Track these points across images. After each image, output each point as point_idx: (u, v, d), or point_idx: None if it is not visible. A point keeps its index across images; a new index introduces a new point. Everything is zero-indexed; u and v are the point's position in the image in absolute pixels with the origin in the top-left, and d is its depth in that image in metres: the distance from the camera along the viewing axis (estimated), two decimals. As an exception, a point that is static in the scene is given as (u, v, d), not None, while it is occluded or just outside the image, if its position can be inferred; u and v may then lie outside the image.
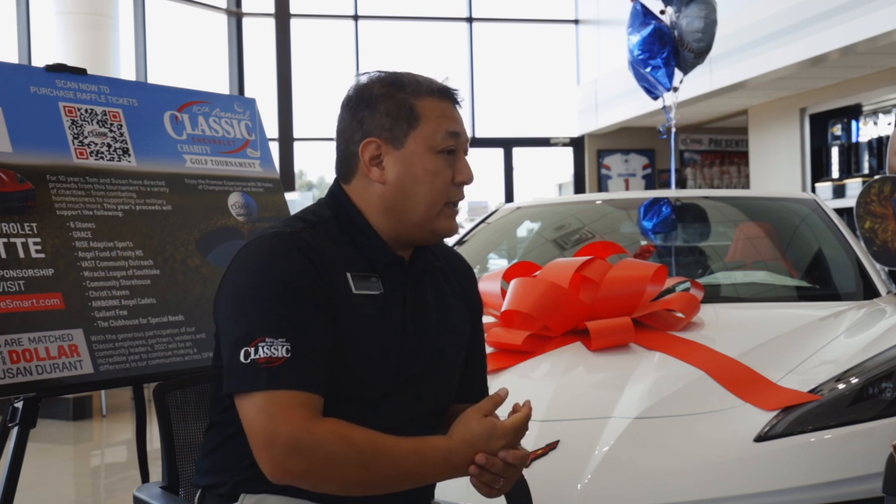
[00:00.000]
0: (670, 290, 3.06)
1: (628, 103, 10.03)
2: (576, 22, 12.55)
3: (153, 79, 9.52)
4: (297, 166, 11.57)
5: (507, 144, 12.17)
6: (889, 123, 8.26)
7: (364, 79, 1.68)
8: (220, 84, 10.70)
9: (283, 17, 11.21)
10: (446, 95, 1.67)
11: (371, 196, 1.65)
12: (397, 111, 1.63)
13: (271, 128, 10.87)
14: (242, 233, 2.58)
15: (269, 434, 1.45)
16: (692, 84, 6.14)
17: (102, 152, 2.35)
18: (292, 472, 1.46)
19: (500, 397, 1.62)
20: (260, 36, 11.25)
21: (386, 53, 11.61)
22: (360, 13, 11.71)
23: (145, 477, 2.31)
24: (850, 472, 2.16)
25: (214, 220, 2.55)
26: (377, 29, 11.91)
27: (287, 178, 10.82)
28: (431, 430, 1.71)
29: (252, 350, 1.48)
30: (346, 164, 1.67)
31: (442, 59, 11.91)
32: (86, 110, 2.35)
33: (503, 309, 2.85)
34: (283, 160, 10.97)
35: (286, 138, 11.08)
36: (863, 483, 2.12)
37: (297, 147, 11.23)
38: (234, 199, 2.62)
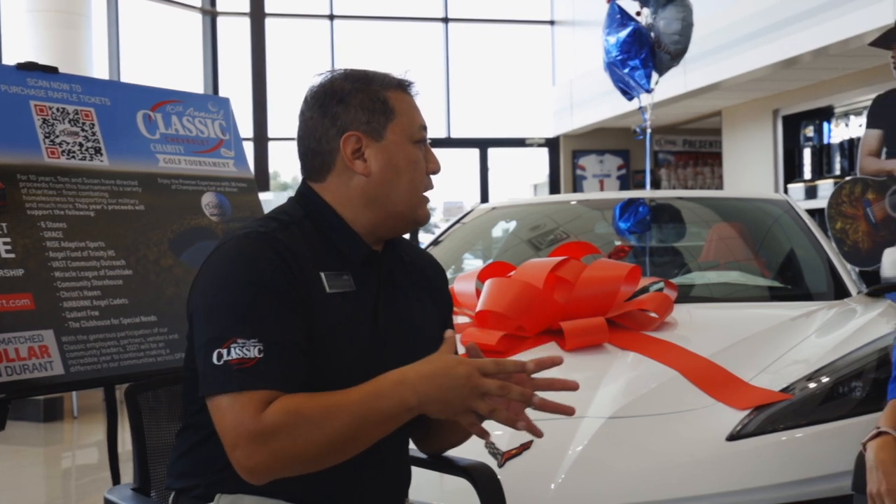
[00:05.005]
0: (644, 290, 3.07)
1: (603, 104, 10.07)
2: (551, 23, 12.58)
3: (126, 78, 9.45)
4: (272, 166, 11.53)
5: (483, 145, 12.18)
6: (860, 125, 8.33)
7: (325, 77, 1.69)
8: (194, 83, 10.63)
9: (258, 16, 11.16)
10: (409, 88, 1.70)
11: (351, 190, 1.66)
12: (372, 104, 1.65)
13: (246, 128, 10.82)
14: (216, 233, 2.57)
15: (234, 436, 1.45)
16: (667, 85, 6.17)
17: (74, 151, 2.33)
18: (261, 466, 1.45)
19: (450, 338, 1.56)
20: (235, 35, 11.20)
21: (361, 53, 11.59)
22: (335, 13, 11.68)
23: (116, 479, 2.29)
24: (821, 471, 2.18)
25: (188, 219, 2.53)
26: (353, 29, 11.88)
27: (262, 178, 10.78)
28: (401, 428, 1.70)
29: (225, 351, 1.47)
30: (321, 162, 1.67)
31: (418, 59, 11.90)
32: (57, 109, 2.33)
33: (478, 309, 2.85)
34: (258, 160, 10.93)
35: (261, 138, 11.03)
36: (833, 481, 2.14)
37: (272, 147, 11.19)
38: (208, 199, 2.60)
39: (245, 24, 11.16)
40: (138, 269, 2.35)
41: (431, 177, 1.72)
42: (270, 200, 8.72)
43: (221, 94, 9.54)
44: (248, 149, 10.86)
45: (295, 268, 1.56)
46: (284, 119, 11.13)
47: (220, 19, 11.17)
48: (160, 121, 2.56)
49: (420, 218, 1.70)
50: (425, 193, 1.70)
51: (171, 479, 1.67)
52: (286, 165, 12.73)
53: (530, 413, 1.58)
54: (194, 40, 10.92)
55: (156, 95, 2.58)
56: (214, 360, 1.48)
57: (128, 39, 9.72)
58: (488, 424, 2.17)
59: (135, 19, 9.98)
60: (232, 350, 1.47)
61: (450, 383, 1.47)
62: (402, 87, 1.69)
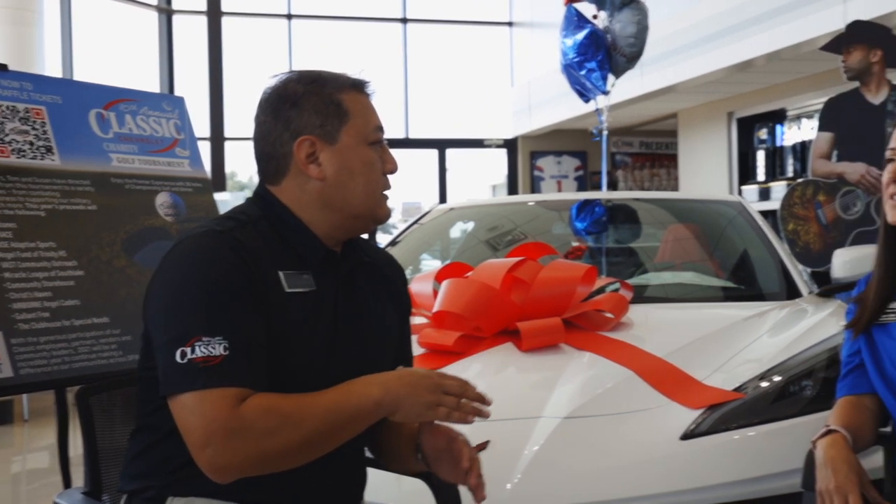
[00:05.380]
0: (600, 291, 3.09)
1: (561, 106, 10.12)
2: (510, 24, 12.62)
3: (79, 76, 9.32)
4: (229, 166, 11.44)
5: (441, 145, 12.19)
6: (812, 128, 8.46)
7: (279, 80, 1.68)
8: (150, 82, 10.51)
9: (214, 15, 11.07)
10: (364, 89, 1.70)
11: (307, 194, 1.65)
12: (325, 107, 1.64)
13: (202, 127, 10.72)
14: (171, 233, 2.55)
15: (204, 434, 1.44)
16: (623, 87, 6.22)
17: (24, 150, 2.29)
18: (234, 464, 1.45)
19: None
20: (191, 34, 11.10)
21: (319, 53, 11.53)
22: (293, 12, 11.62)
23: (67, 483, 2.26)
24: (772, 469, 2.21)
25: (141, 220, 2.51)
26: (311, 28, 11.83)
27: (218, 179, 10.69)
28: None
29: (189, 350, 1.46)
30: (275, 165, 1.67)
31: (376, 59, 11.87)
32: (7, 107, 2.29)
33: (435, 310, 2.86)
34: (214, 160, 10.84)
35: (217, 138, 10.94)
36: (784, 479, 2.17)
37: (229, 147, 11.10)
38: (162, 199, 2.58)
39: (202, 22, 11.06)
40: (90, 270, 2.32)
41: (389, 176, 1.71)
42: (227, 200, 8.65)
43: (177, 93, 9.45)
44: (205, 148, 10.77)
45: (253, 267, 1.56)
46: (242, 119, 11.04)
47: (176, 18, 11.06)
48: (113, 120, 2.53)
49: (380, 216, 1.70)
50: (384, 192, 1.70)
51: (125, 481, 1.66)
52: (243, 165, 12.64)
53: (492, 413, 1.68)
54: (150, 39, 10.80)
55: (109, 94, 2.55)
56: (178, 358, 1.47)
57: (81, 37, 9.58)
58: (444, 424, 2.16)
59: (88, 17, 9.85)
60: (196, 348, 1.47)
61: (416, 380, 1.55)
62: (357, 87, 1.69)
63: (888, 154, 1.92)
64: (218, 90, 10.98)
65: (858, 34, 4.88)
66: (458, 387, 1.59)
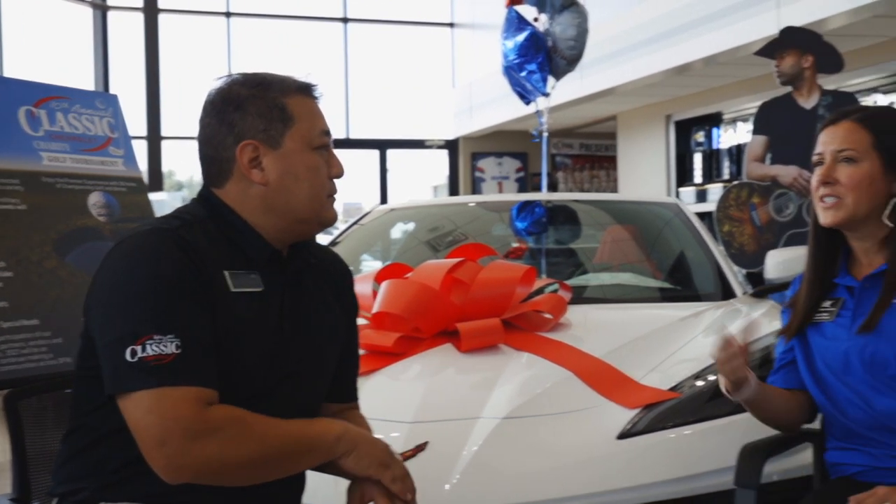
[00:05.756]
0: (539, 292, 3.11)
1: (502, 107, 10.16)
2: (451, 25, 12.65)
3: (9, 72, 9.10)
4: (166, 165, 11.28)
5: (382, 146, 12.16)
6: (747, 131, 8.62)
7: (224, 82, 1.66)
8: (84, 80, 10.31)
9: (151, 11, 10.90)
10: (311, 92, 1.68)
11: (250, 198, 1.64)
12: (269, 112, 1.62)
13: (139, 126, 10.55)
14: (104, 233, 2.50)
15: (162, 432, 1.43)
16: (564, 89, 6.27)
17: (-50, 148, 2.23)
18: (191, 467, 1.44)
19: None
20: (127, 31, 10.91)
21: (259, 52, 11.43)
22: (232, 10, 11.50)
23: (-5, 489, 2.21)
24: (707, 467, 2.24)
25: (73, 220, 2.45)
26: (250, 27, 11.71)
27: (155, 178, 10.54)
28: None
29: (139, 348, 1.45)
30: (218, 168, 1.65)
31: (316, 58, 11.80)
32: (-68, 104, 2.23)
33: (374, 311, 2.85)
34: (151, 159, 10.68)
35: (154, 137, 10.78)
36: (718, 476, 2.20)
37: (166, 146, 10.94)
38: (95, 199, 2.53)
39: (138, 19, 10.88)
40: (20, 271, 2.26)
41: (336, 180, 1.70)
42: (164, 200, 8.52)
43: (113, 91, 9.29)
44: (142, 148, 10.60)
45: (199, 265, 1.54)
46: (180, 117, 10.89)
47: (111, 14, 10.87)
48: (44, 117, 2.47)
49: (326, 220, 1.69)
50: (330, 196, 1.69)
51: (56, 483, 1.62)
52: (182, 164, 12.48)
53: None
54: (84, 35, 10.59)
55: (40, 91, 2.49)
56: (127, 357, 1.45)
57: (11, 32, 9.36)
58: (384, 426, 2.17)
59: (19, 11, 9.62)
60: (147, 347, 1.45)
61: (374, 441, 1.64)
62: (304, 91, 1.67)
63: (815, 158, 1.96)
64: (155, 88, 10.82)
65: (791, 40, 4.99)
66: (403, 476, 1.65)
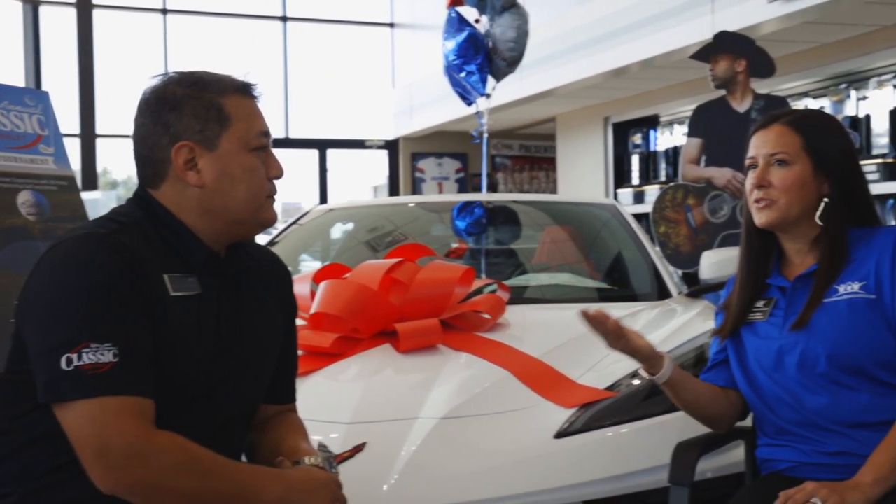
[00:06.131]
0: (478, 292, 3.12)
1: (443, 107, 10.18)
2: (391, 25, 12.62)
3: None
4: (101, 164, 11.07)
5: (322, 146, 12.09)
6: (683, 134, 8.76)
7: (160, 80, 1.63)
8: (14, 76, 10.08)
9: (84, 7, 10.69)
10: (249, 92, 1.66)
11: (187, 199, 1.62)
12: (206, 112, 1.60)
13: (73, 123, 10.34)
14: (33, 233, 2.44)
15: (102, 443, 1.41)
16: (504, 90, 6.29)
17: None
18: (127, 482, 1.42)
19: None
20: (60, 26, 10.68)
21: (196, 50, 11.27)
22: (168, 7, 11.33)
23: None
24: (642, 465, 2.27)
25: (2, 219, 2.39)
26: (187, 24, 11.55)
27: (89, 176, 10.35)
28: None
29: (75, 356, 1.42)
30: (154, 169, 1.63)
31: (255, 57, 11.69)
32: None
33: (312, 311, 2.83)
34: (85, 157, 10.47)
35: (88, 135, 10.57)
36: (653, 474, 2.23)
37: (101, 144, 10.74)
38: (24, 198, 2.47)
39: (71, 14, 10.66)
40: (-55, 272, 2.20)
41: (275, 181, 1.68)
42: (98, 199, 8.37)
43: (45, 87, 9.08)
44: (75, 145, 10.39)
45: (138, 270, 1.52)
46: (114, 115, 10.70)
47: (43, 9, 10.63)
48: (-29, 114, 2.41)
49: (264, 221, 1.67)
50: (269, 197, 1.68)
51: (-20, 488, 1.58)
52: (117, 163, 12.26)
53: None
54: (14, 30, 10.35)
55: (-34, 87, 2.43)
56: (63, 365, 1.42)
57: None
58: (322, 427, 2.16)
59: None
60: (84, 355, 1.42)
61: (316, 486, 1.60)
62: (242, 91, 1.65)
63: (748, 162, 2.00)
64: (89, 85, 10.61)
65: (724, 44, 5.07)
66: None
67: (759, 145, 1.98)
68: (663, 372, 1.98)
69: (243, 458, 1.77)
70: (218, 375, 1.61)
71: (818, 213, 1.93)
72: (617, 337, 1.95)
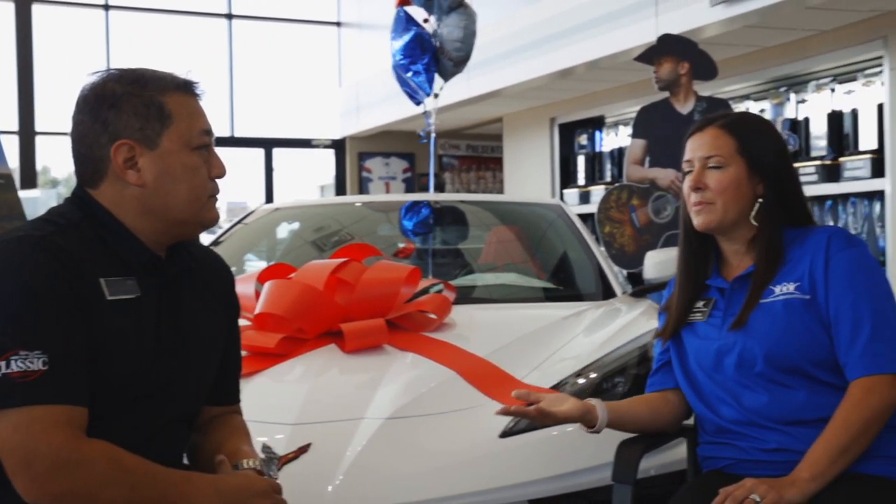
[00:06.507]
0: (424, 292, 3.12)
1: (390, 107, 10.16)
2: (338, 24, 12.57)
3: None
4: (40, 162, 10.85)
5: (268, 145, 11.99)
6: (628, 135, 8.86)
7: (98, 77, 1.60)
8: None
9: (23, 1, 10.47)
10: (191, 90, 1.63)
11: (127, 199, 1.59)
12: (146, 110, 1.57)
13: (11, 120, 10.13)
14: (-32, 232, 2.38)
15: (28, 453, 1.38)
16: (451, 90, 6.29)
17: None
18: (54, 493, 1.39)
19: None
20: (-1, 21, 10.46)
21: (139, 47, 11.10)
22: (111, 3, 11.14)
23: None
24: (587, 463, 2.29)
25: (-64, 218, 2.34)
26: (131, 20, 11.37)
27: (28, 175, 10.14)
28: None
29: (3, 364, 1.39)
30: (92, 168, 1.60)
31: (200, 55, 11.54)
32: None
33: (257, 311, 2.81)
34: (24, 155, 10.26)
35: (27, 132, 10.35)
36: (597, 472, 2.25)
37: (41, 141, 10.53)
38: (-41, 196, 2.41)
39: (9, 9, 10.44)
40: None
41: (217, 180, 1.66)
42: (38, 198, 8.20)
43: (-17, 83, 8.88)
44: (13, 143, 10.17)
45: (74, 273, 1.49)
46: (55, 112, 10.49)
47: (-19, 3, 10.40)
48: None
49: (206, 221, 1.65)
50: (212, 196, 1.66)
51: None
52: (57, 161, 12.03)
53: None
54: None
55: None
56: None
57: None
58: (266, 428, 2.14)
59: None
60: (12, 363, 1.40)
61: (249, 496, 1.57)
62: (183, 88, 1.63)
63: (685, 166, 2.04)
64: (28, 82, 10.39)
65: (668, 47, 5.14)
66: None
67: (694, 148, 2.01)
68: (600, 422, 2.00)
69: (185, 461, 1.75)
70: (159, 378, 1.58)
71: (753, 214, 1.96)
72: (543, 416, 1.96)
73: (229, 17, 11.85)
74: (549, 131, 9.95)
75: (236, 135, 11.66)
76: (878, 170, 6.29)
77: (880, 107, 6.28)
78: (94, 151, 1.58)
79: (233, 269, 3.69)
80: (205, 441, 1.75)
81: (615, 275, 3.67)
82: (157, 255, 1.63)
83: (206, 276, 1.76)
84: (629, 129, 6.31)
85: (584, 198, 9.20)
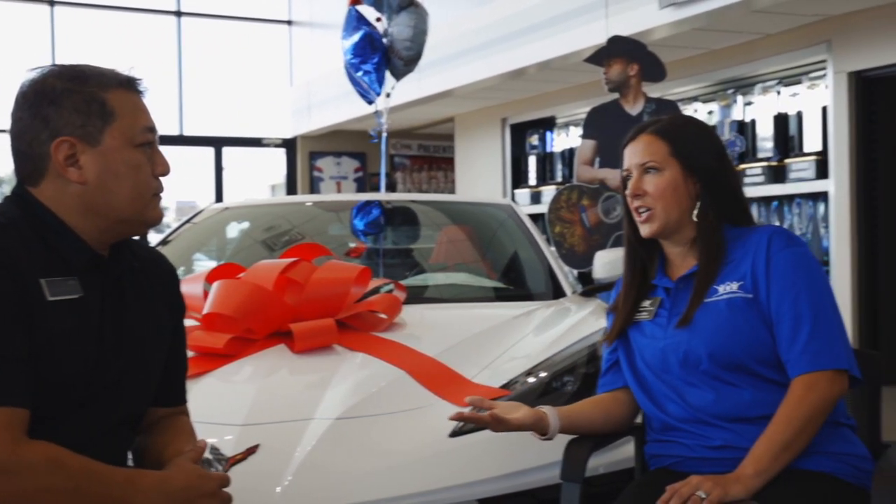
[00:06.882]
0: (375, 292, 3.11)
1: (341, 106, 10.12)
2: (289, 23, 12.49)
3: None
4: (-17, 160, 10.64)
5: (218, 143, 11.88)
6: (579, 135, 8.92)
7: (38, 73, 1.57)
8: None
9: (-34, -4, 10.25)
10: (134, 87, 1.61)
11: (68, 197, 1.56)
12: (87, 107, 1.55)
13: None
14: None
15: None
16: (403, 90, 6.29)
17: None
18: None
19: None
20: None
21: (86, 44, 10.92)
22: (56, -2, 10.96)
23: None
24: (535, 462, 2.30)
25: None
26: (77, 17, 11.18)
27: (-30, 173, 9.93)
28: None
29: None
30: (32, 166, 1.57)
31: (149, 52, 11.39)
32: None
33: (205, 311, 2.78)
34: (-33, 153, 10.05)
35: (-30, 129, 10.15)
36: (546, 471, 2.26)
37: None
38: None
39: (-49, 4, 10.23)
40: None
41: (161, 178, 1.64)
42: (-21, 197, 8.03)
43: (-77, 79, 8.66)
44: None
45: (14, 274, 1.46)
46: (-2, 109, 10.29)
47: (-79, -3, 10.17)
48: None
49: (150, 219, 1.63)
50: (155, 195, 1.64)
51: None
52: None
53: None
54: None
55: None
56: None
57: None
58: (214, 429, 2.12)
59: None
60: None
61: (195, 496, 1.56)
62: (125, 85, 1.60)
63: (624, 174, 2.07)
64: (-29, 78, 10.18)
65: (618, 49, 5.19)
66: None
67: (630, 157, 2.05)
68: (552, 429, 2.00)
69: (130, 463, 1.73)
70: (102, 379, 1.56)
71: (694, 213, 1.99)
72: (497, 423, 1.96)
73: (178, 14, 11.71)
74: (501, 131, 9.99)
75: (186, 133, 11.54)
76: (822, 171, 6.41)
77: (824, 109, 6.40)
78: (34, 149, 1.55)
79: (181, 268, 3.71)
80: (150, 443, 1.73)
81: (565, 274, 3.70)
82: (99, 254, 1.61)
83: (150, 277, 1.73)
84: (580, 130, 6.35)
85: (536, 198, 9.25)
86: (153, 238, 9.37)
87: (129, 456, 1.73)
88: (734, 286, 1.93)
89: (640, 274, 2.08)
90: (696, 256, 2.00)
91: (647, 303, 2.06)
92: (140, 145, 1.60)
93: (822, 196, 6.51)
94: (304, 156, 12.18)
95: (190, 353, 2.61)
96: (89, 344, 1.55)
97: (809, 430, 1.82)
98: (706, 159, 2.00)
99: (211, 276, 3.04)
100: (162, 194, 1.66)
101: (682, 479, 1.80)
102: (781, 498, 1.77)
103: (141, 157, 1.60)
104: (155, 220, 1.65)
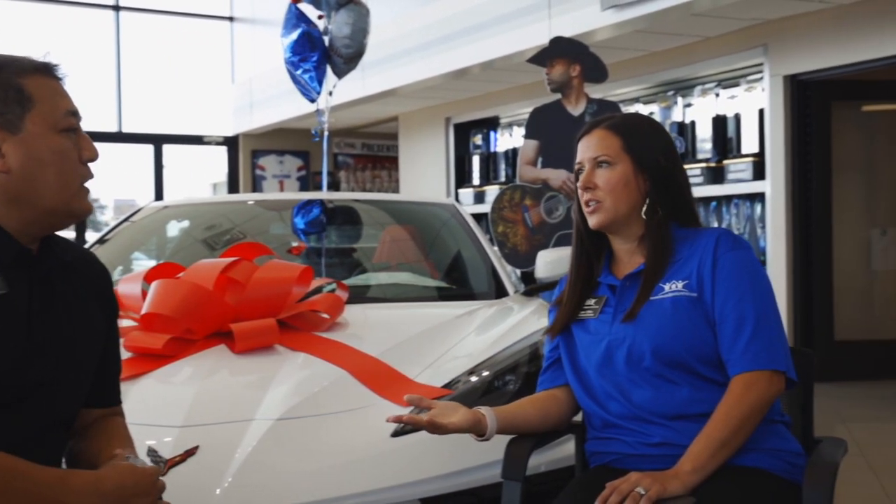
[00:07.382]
0: (317, 291, 3.09)
1: (284, 104, 10.05)
2: (231, 19, 12.36)
3: None
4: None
5: (158, 141, 11.71)
6: (522, 135, 8.97)
7: None
8: None
9: None
10: (51, 72, 1.58)
11: None
12: (4, 94, 1.51)
13: None
14: None
15: None
16: (346, 89, 6.27)
17: None
18: None
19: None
20: None
21: (20, 38, 10.69)
22: (-9, -9, 10.71)
23: None
24: (477, 461, 2.30)
25: None
26: (9, 9, 10.94)
27: None
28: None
29: None
30: None
31: (86, 47, 11.19)
32: None
33: (143, 311, 2.73)
34: None
35: None
36: (488, 470, 2.26)
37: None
38: None
39: None
40: None
41: (90, 165, 1.60)
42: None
43: None
44: None
45: None
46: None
47: None
48: None
49: (78, 210, 1.59)
50: (85, 184, 1.59)
51: None
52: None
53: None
54: None
55: None
56: None
57: None
58: (152, 431, 2.09)
59: None
60: None
61: (128, 496, 1.51)
62: (43, 70, 1.56)
63: (576, 167, 2.09)
64: None
65: (560, 49, 5.23)
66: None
67: (583, 150, 2.07)
68: (489, 430, 2.01)
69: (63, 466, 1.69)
70: (31, 380, 1.52)
71: (643, 209, 2.02)
72: (434, 428, 1.97)
73: (116, 8, 11.52)
74: (445, 131, 10.01)
75: (124, 130, 11.35)
76: (759, 172, 6.53)
77: (761, 112, 6.53)
78: None
79: (119, 268, 3.64)
80: (84, 447, 1.69)
81: (508, 274, 3.71)
82: (27, 248, 1.57)
83: (82, 276, 1.69)
84: (523, 130, 6.39)
85: (479, 197, 9.28)
86: (90, 237, 9.20)
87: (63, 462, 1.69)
88: (679, 285, 1.95)
89: (587, 269, 2.10)
90: (644, 255, 2.02)
91: (591, 301, 2.07)
92: (64, 130, 1.56)
93: (759, 197, 6.63)
94: (247, 154, 12.07)
95: (128, 354, 2.59)
96: (17, 341, 1.51)
97: (747, 429, 1.85)
98: (658, 157, 2.03)
99: (150, 276, 2.99)
100: (90, 183, 1.61)
101: (621, 475, 1.82)
102: (718, 493, 1.80)
103: (66, 143, 1.56)
104: (83, 210, 1.61)
